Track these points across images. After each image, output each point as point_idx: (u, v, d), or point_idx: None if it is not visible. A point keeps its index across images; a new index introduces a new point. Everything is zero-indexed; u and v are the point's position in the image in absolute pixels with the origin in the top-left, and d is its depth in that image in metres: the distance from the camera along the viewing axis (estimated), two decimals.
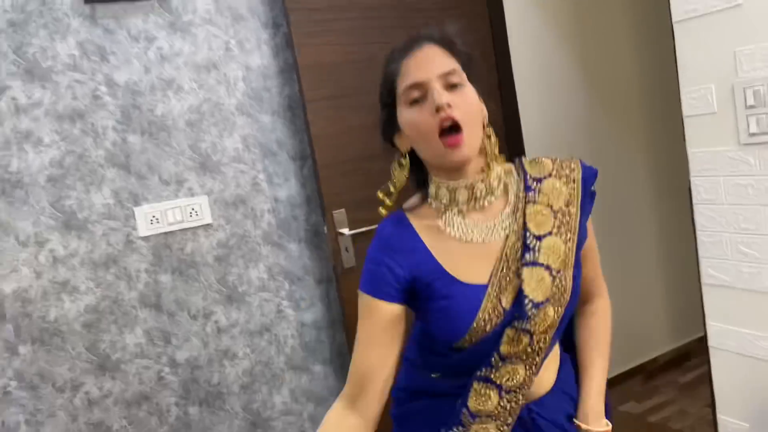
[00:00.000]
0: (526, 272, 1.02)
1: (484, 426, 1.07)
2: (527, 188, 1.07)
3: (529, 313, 1.01)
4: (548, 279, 1.03)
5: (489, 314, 1.01)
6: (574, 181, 1.10)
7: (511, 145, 2.67)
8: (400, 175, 1.09)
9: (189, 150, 2.17)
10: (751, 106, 1.64)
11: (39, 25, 1.94)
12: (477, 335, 1.02)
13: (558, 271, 1.04)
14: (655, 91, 3.19)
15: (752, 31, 1.61)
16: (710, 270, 1.86)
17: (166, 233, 2.14)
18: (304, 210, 2.37)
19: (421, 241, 1.06)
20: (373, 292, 1.05)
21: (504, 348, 1.03)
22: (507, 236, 1.05)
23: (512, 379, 1.06)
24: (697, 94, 1.78)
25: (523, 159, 1.13)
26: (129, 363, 2.10)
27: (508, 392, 1.06)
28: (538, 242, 1.04)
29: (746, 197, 1.71)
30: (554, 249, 1.04)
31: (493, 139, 1.06)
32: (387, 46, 1.10)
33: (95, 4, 2.01)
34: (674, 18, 1.79)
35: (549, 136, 2.86)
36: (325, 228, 2.22)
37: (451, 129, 0.98)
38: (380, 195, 1.11)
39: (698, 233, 1.88)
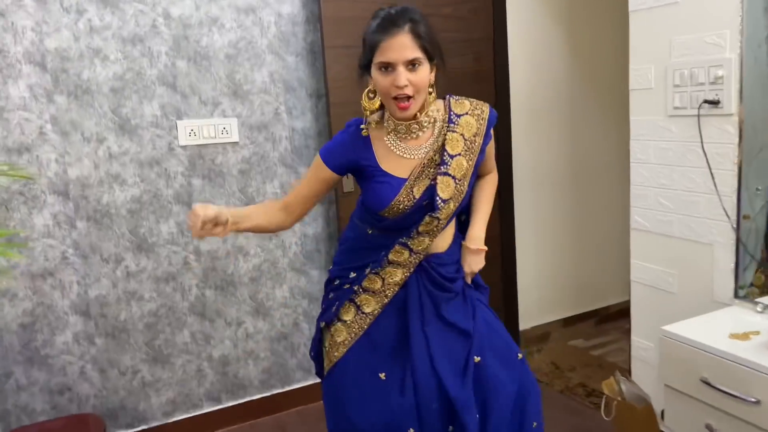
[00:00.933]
0: (439, 179, 1.50)
1: (394, 270, 1.59)
2: (450, 121, 1.53)
3: (439, 206, 1.50)
4: (453, 185, 1.51)
5: (403, 197, 1.51)
6: (483, 120, 1.56)
7: (500, 97, 3.08)
8: (371, 103, 1.56)
9: (225, 78, 2.60)
10: (677, 85, 2.05)
11: None
12: (394, 211, 1.51)
13: (459, 180, 1.52)
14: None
15: (685, 24, 2.01)
16: (637, 217, 2.30)
17: (200, 145, 2.59)
18: (315, 140, 2.81)
19: (371, 145, 1.55)
20: (325, 158, 1.56)
21: (422, 227, 1.53)
22: (427, 152, 1.53)
23: (420, 245, 1.55)
24: (641, 72, 2.19)
25: (451, 99, 1.57)
26: (162, 247, 2.58)
27: (415, 253, 1.57)
28: (450, 159, 1.51)
29: (666, 159, 2.14)
30: (460, 165, 1.52)
31: (434, 94, 1.53)
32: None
33: None
34: (630, 8, 2.19)
35: (532, 93, 3.27)
36: None
37: (403, 97, 1.43)
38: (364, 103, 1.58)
39: (632, 187, 2.31)
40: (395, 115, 1.48)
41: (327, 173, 1.56)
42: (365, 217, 1.63)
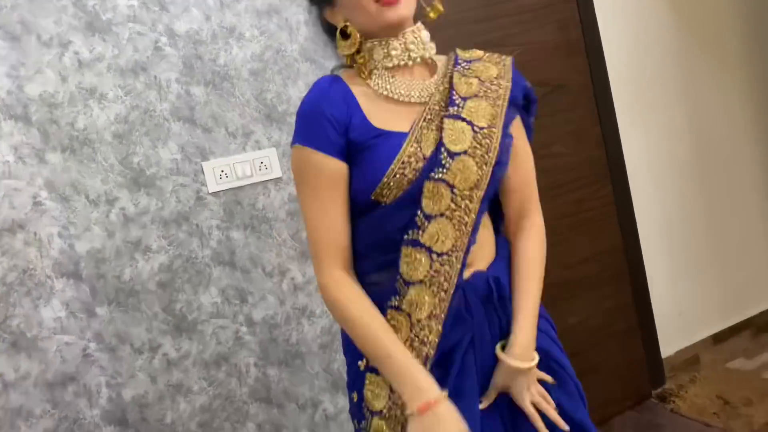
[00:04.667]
0: (447, 123, 1.05)
1: (418, 293, 1.04)
2: (456, 64, 1.13)
3: (444, 161, 1.03)
4: (469, 133, 1.06)
5: (408, 158, 1.04)
6: (504, 65, 1.16)
7: (596, 74, 2.47)
8: (345, 45, 1.10)
9: (254, 100, 2.08)
10: None
11: None
12: (398, 182, 1.03)
13: (482, 128, 1.07)
14: (755, 26, 2.88)
15: None
16: None
17: (236, 188, 2.06)
18: None
19: (354, 98, 1.08)
20: (317, 144, 1.04)
21: (426, 203, 1.03)
22: (432, 94, 1.10)
23: (442, 241, 1.04)
24: None
25: (456, 49, 1.19)
26: (205, 323, 2.04)
27: (439, 255, 1.04)
28: (463, 101, 1.08)
29: None
30: (479, 108, 1.08)
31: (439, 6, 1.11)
32: None
33: None
34: None
35: (636, 67, 2.63)
36: None
37: None
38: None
39: None
40: (381, 19, 1.05)
41: (336, 167, 1.06)
42: (360, 245, 1.12)
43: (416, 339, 1.04)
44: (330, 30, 1.16)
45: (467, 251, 1.07)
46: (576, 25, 2.44)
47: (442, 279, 1.05)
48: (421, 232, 1.04)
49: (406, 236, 1.05)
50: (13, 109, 1.81)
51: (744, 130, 2.92)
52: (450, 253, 1.05)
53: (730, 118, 2.88)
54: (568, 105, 2.42)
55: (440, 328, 1.05)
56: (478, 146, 1.05)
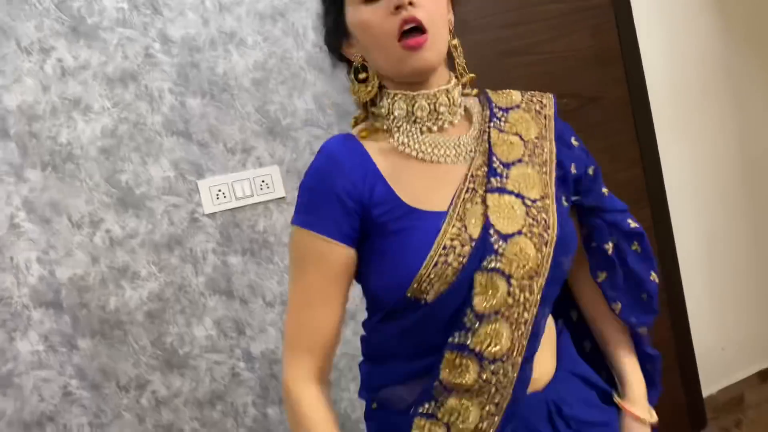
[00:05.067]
0: (491, 199, 0.87)
1: (462, 402, 0.86)
2: (492, 116, 0.96)
3: (496, 246, 0.84)
4: (521, 208, 0.88)
5: (451, 242, 0.84)
6: (545, 117, 0.99)
7: (632, 83, 2.26)
8: (365, 89, 0.93)
9: (255, 113, 1.90)
10: None
11: None
12: (440, 274, 0.83)
13: (534, 201, 0.89)
14: None
15: None
16: None
17: (233, 209, 1.88)
18: None
19: (374, 163, 0.90)
20: (320, 228, 0.87)
21: (478, 301, 0.83)
22: (473, 158, 0.92)
23: (494, 344, 0.84)
24: None
25: (487, 90, 1.02)
26: (199, 358, 1.86)
27: (492, 362, 0.85)
28: (506, 169, 0.90)
29: None
30: (526, 177, 0.91)
31: (460, 49, 0.95)
32: None
33: None
34: None
35: (678, 77, 2.42)
36: None
37: (413, 30, 0.85)
38: (352, 123, 1.00)
39: None
40: (406, 65, 0.87)
41: (342, 256, 0.88)
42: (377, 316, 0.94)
43: None
44: (335, 51, 1.00)
45: (527, 358, 0.88)
46: (612, 31, 2.24)
47: (493, 390, 0.86)
48: (470, 334, 0.85)
49: (450, 339, 0.86)
50: None
51: None
52: (504, 359, 0.86)
53: None
54: (603, 119, 2.23)
55: None
56: (533, 222, 0.88)
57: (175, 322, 1.83)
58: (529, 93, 1.02)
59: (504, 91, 1.02)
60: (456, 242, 0.84)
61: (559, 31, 2.12)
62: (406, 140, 0.91)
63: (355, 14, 0.90)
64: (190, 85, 1.83)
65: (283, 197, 1.93)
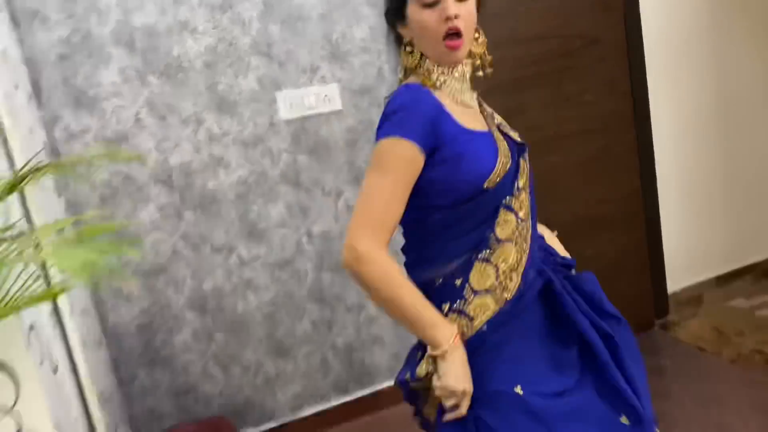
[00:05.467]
0: (497, 132, 1.29)
1: (505, 247, 1.23)
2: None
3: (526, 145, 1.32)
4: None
5: (504, 148, 1.24)
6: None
7: (630, 30, 2.66)
8: (411, 59, 1.28)
9: (321, 40, 2.35)
10: None
11: None
12: (502, 170, 1.21)
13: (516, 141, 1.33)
14: None
15: None
16: None
17: (302, 117, 2.36)
18: None
19: (438, 100, 1.21)
20: (417, 137, 1.15)
21: (521, 178, 1.26)
22: (482, 108, 1.34)
23: (523, 207, 1.26)
24: None
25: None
26: (273, 231, 2.38)
27: (522, 220, 1.26)
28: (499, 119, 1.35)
29: None
30: (505, 127, 1.35)
31: (481, 39, 1.29)
32: None
33: None
34: None
35: (670, 27, 2.83)
36: None
37: (453, 34, 1.19)
38: (399, 79, 1.34)
39: None
40: (445, 58, 1.23)
41: (419, 159, 1.17)
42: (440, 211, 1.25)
43: (500, 286, 1.22)
44: (397, 38, 1.36)
45: (533, 225, 1.30)
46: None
47: (521, 240, 1.25)
48: (515, 201, 1.24)
49: (504, 201, 1.23)
50: (121, 37, 2.11)
51: (764, 88, 3.10)
52: (525, 219, 1.26)
53: (755, 84, 3.07)
54: (602, 58, 2.63)
55: (519, 279, 1.24)
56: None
57: (256, 202, 2.34)
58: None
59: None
60: (502, 146, 1.24)
61: None
62: (452, 91, 1.26)
63: (415, 13, 1.21)
64: (273, 15, 2.27)
65: (341, 110, 2.41)
